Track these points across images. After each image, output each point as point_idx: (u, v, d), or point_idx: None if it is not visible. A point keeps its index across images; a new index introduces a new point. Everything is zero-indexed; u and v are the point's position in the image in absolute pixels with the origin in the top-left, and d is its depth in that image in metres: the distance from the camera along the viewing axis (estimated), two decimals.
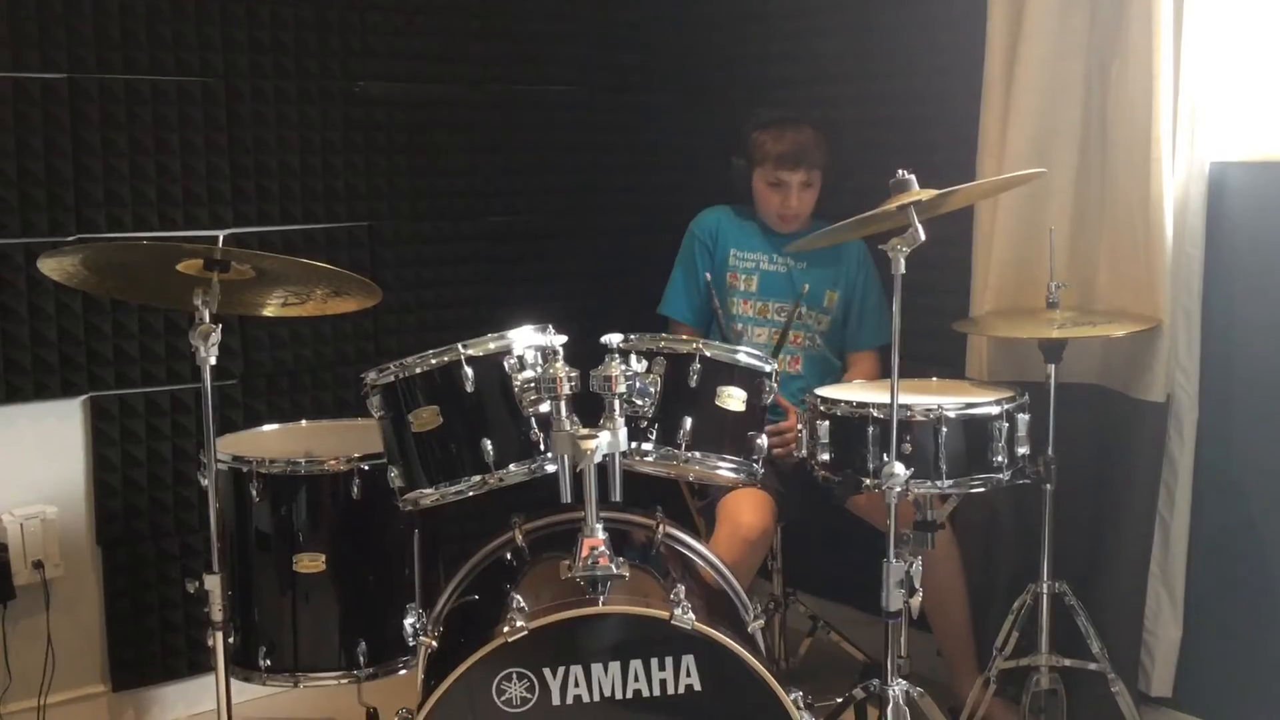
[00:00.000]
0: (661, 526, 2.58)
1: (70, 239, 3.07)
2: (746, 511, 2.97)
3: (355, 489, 2.71)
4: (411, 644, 2.43)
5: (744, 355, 2.55)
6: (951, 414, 2.62)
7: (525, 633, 2.14)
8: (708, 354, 2.49)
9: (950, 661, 3.14)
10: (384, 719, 2.89)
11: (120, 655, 3.27)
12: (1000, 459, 2.65)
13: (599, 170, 3.95)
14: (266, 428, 3.10)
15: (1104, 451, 2.96)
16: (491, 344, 2.43)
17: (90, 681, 3.26)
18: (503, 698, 2.17)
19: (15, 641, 3.12)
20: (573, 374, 2.30)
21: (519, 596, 2.20)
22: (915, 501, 2.73)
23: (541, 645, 2.16)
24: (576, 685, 2.18)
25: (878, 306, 3.26)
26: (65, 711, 3.19)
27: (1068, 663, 2.86)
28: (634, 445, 2.42)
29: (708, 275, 3.25)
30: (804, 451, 2.73)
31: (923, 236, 2.41)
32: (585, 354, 2.37)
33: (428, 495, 2.47)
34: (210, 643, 2.54)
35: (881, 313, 3.26)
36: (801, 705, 2.23)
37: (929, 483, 2.62)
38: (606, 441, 2.22)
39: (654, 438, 2.46)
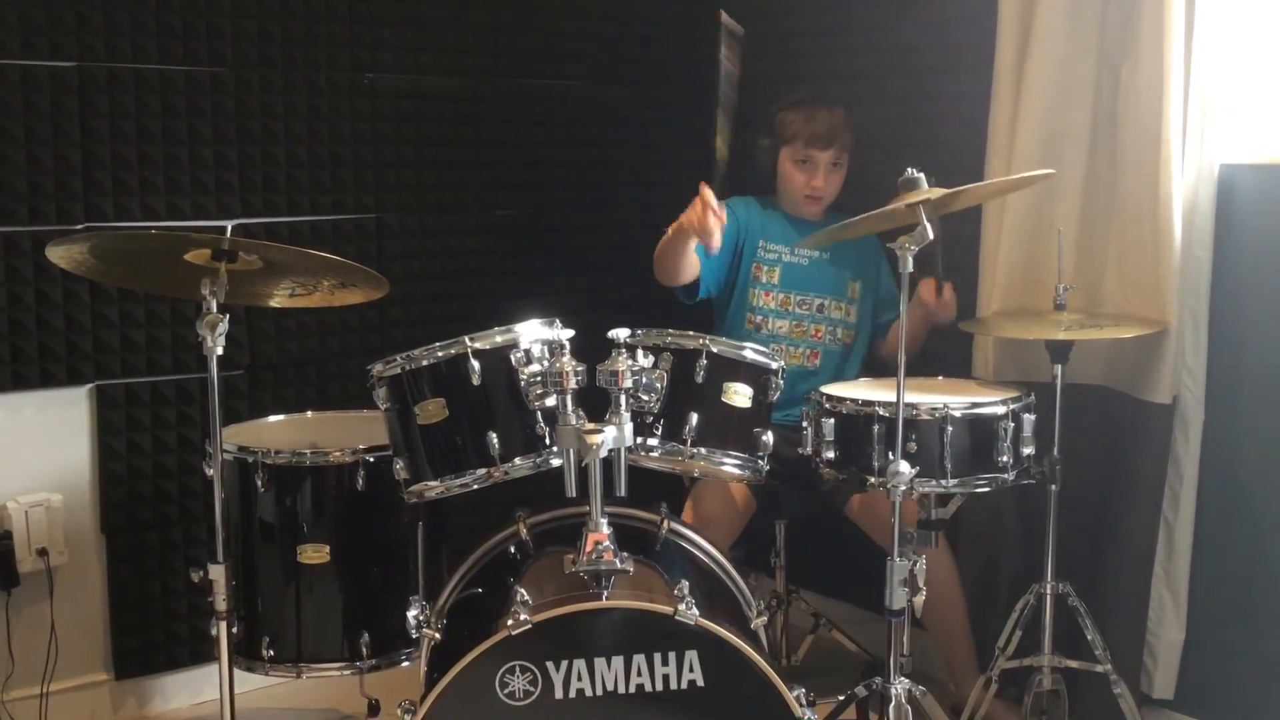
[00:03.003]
0: (666, 522, 2.58)
1: (78, 227, 3.07)
2: (710, 495, 3.01)
3: (360, 481, 2.72)
4: (414, 636, 2.44)
5: (750, 352, 2.55)
6: (957, 413, 2.62)
7: (529, 626, 2.14)
8: (714, 350, 2.49)
9: (949, 663, 3.14)
10: (386, 711, 2.89)
11: (123, 644, 3.28)
12: (1005, 459, 2.65)
13: (607, 164, 3.94)
14: (272, 418, 3.11)
15: (1109, 453, 2.96)
16: (498, 337, 2.43)
17: (93, 669, 3.27)
18: (505, 691, 2.17)
19: (19, 629, 3.12)
20: (579, 368, 2.31)
21: (523, 590, 2.20)
22: (919, 501, 2.73)
23: (545, 639, 2.16)
24: (579, 679, 2.18)
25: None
26: (68, 699, 3.20)
27: (1070, 663, 2.86)
28: (639, 440, 2.42)
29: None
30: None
31: (931, 235, 2.41)
32: (592, 348, 2.37)
33: (432, 488, 2.48)
34: (214, 632, 2.55)
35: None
36: (804, 702, 2.23)
37: (934, 482, 2.62)
38: (612, 436, 2.23)
39: (659, 433, 2.46)
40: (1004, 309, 3.03)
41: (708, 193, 2.75)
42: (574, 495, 2.27)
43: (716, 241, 2.80)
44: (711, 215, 2.73)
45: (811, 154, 3.15)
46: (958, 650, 3.09)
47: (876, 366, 3.25)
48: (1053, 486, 2.79)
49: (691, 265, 3.03)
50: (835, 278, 3.22)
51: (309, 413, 3.18)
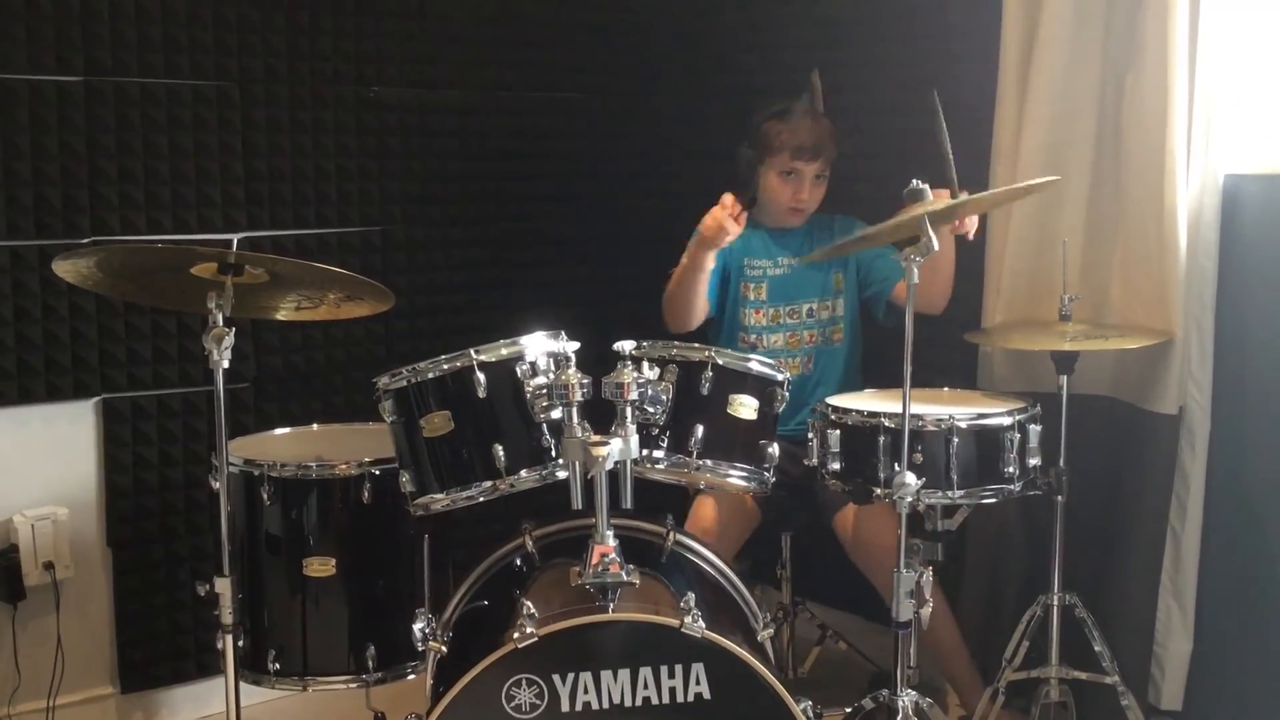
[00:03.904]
0: (672, 534, 2.57)
1: (84, 241, 3.08)
2: (711, 506, 3.00)
3: (366, 493, 2.71)
4: (420, 649, 2.43)
5: (756, 364, 2.55)
6: (963, 424, 2.62)
7: (535, 639, 2.14)
8: (720, 362, 2.49)
9: (952, 679, 3.13)
10: None
11: (129, 657, 3.28)
12: (1012, 470, 2.64)
13: (611, 176, 3.95)
14: (278, 431, 3.11)
15: (1116, 463, 2.96)
16: (504, 350, 2.44)
17: (99, 683, 3.27)
18: (512, 704, 2.17)
19: (25, 642, 3.13)
20: (585, 380, 2.31)
21: (529, 603, 2.19)
22: (925, 512, 2.73)
23: (551, 652, 2.16)
24: (586, 692, 2.17)
25: (883, 249, 3.14)
26: (74, 713, 3.20)
27: (1077, 675, 2.85)
28: (645, 452, 2.42)
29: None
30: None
31: (936, 246, 2.41)
32: (598, 360, 2.37)
33: (438, 500, 2.48)
34: (220, 645, 2.54)
35: (887, 249, 3.14)
36: (811, 715, 2.22)
37: (940, 493, 2.62)
38: (618, 448, 2.23)
39: (665, 445, 2.46)
40: (1009, 320, 3.03)
41: (730, 199, 2.85)
42: (579, 507, 2.28)
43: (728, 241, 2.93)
44: (731, 221, 2.84)
45: (797, 166, 3.14)
46: (957, 666, 3.07)
47: (876, 363, 3.24)
48: (1059, 497, 2.79)
49: (702, 305, 3.08)
50: (818, 277, 3.22)
51: (315, 425, 3.17)
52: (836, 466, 2.70)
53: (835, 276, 3.23)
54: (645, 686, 2.18)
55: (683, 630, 2.16)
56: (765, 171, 3.19)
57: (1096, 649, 2.81)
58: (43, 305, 3.08)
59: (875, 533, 2.94)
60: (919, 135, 3.32)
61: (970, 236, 2.87)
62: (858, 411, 2.70)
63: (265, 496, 2.71)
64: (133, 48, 3.12)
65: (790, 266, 3.22)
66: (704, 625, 2.16)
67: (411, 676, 2.80)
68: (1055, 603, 2.83)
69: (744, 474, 2.53)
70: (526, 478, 2.43)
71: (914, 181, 2.50)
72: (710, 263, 2.99)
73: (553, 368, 2.41)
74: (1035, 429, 2.68)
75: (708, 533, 2.92)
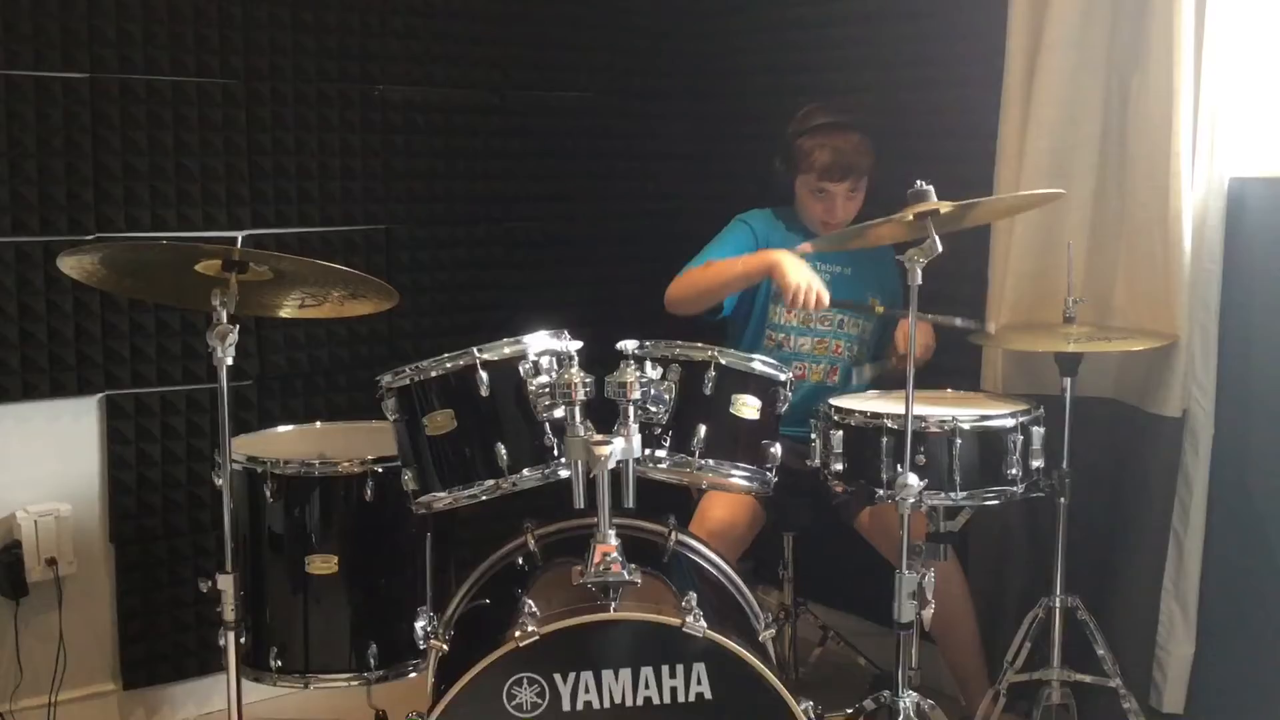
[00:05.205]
0: (674, 534, 2.58)
1: (89, 238, 3.08)
2: (718, 506, 2.99)
3: (368, 491, 2.71)
4: (422, 647, 2.44)
5: (759, 364, 2.54)
6: (966, 426, 2.62)
7: (536, 638, 2.14)
8: (723, 362, 2.48)
9: (960, 677, 3.12)
10: None
11: (131, 654, 3.28)
12: (1014, 472, 2.64)
13: (615, 176, 3.96)
14: (281, 429, 3.11)
15: (1119, 466, 2.96)
16: (507, 349, 2.43)
17: (101, 680, 3.27)
18: (513, 703, 2.17)
19: (27, 638, 3.13)
20: (587, 380, 2.31)
21: (531, 601, 2.20)
22: (928, 514, 2.73)
23: (553, 651, 2.16)
24: (587, 691, 2.18)
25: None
26: (76, 709, 3.20)
27: (1079, 677, 2.85)
28: (648, 452, 2.41)
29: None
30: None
31: (940, 248, 2.41)
32: (600, 360, 2.37)
33: (441, 499, 2.47)
34: (222, 642, 2.54)
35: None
36: (812, 716, 2.23)
37: (942, 494, 2.61)
38: (620, 448, 2.23)
39: (668, 445, 2.45)
40: (1013, 321, 3.02)
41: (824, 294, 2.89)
42: (582, 506, 2.27)
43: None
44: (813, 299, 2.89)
45: (826, 186, 3.12)
46: (969, 664, 3.07)
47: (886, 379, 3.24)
48: (1062, 499, 2.78)
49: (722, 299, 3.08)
50: (855, 293, 3.19)
51: (318, 423, 3.18)
52: (839, 467, 2.70)
53: (871, 300, 3.18)
54: (646, 686, 2.18)
55: (684, 630, 2.16)
56: (798, 186, 3.18)
57: (1098, 652, 2.81)
58: (47, 302, 3.08)
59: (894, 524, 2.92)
60: (925, 138, 3.35)
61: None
62: (861, 412, 2.70)
63: (268, 494, 2.71)
64: (139, 45, 3.13)
65: (829, 274, 3.19)
66: (705, 625, 2.16)
67: (413, 675, 2.80)
68: (1057, 605, 2.82)
69: (746, 474, 2.53)
70: (529, 476, 2.42)
71: (918, 183, 2.49)
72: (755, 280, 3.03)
73: (555, 367, 2.41)
74: (1038, 431, 2.67)
75: (715, 533, 2.92)
